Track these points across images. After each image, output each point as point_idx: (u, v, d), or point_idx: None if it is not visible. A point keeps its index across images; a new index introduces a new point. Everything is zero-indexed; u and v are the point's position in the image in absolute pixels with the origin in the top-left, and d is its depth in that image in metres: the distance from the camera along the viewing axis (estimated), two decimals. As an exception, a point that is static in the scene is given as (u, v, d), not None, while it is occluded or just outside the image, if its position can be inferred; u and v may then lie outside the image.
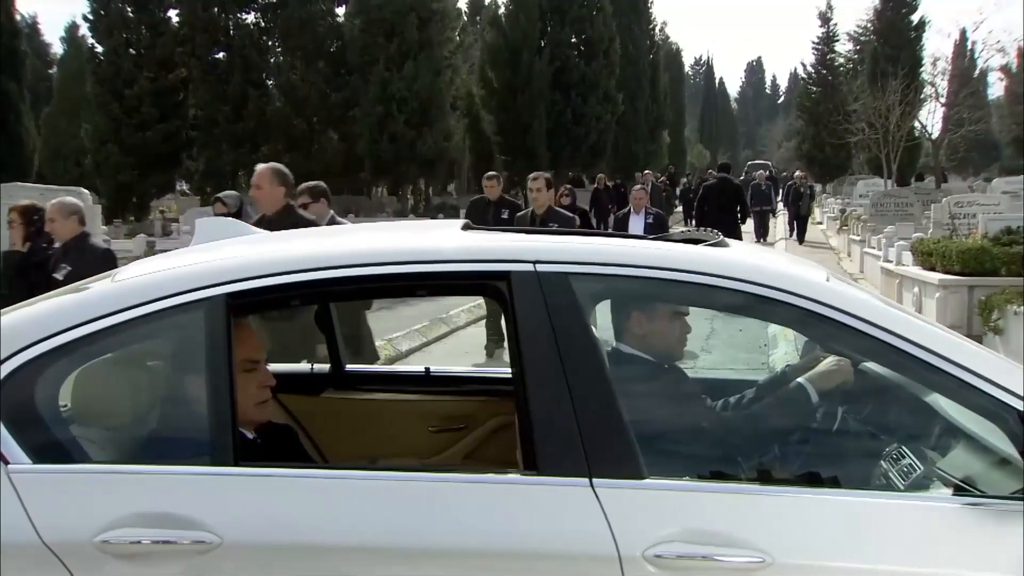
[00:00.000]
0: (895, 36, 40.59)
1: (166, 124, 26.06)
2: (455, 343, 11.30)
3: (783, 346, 8.08)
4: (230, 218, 2.92)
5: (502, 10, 30.60)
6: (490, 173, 9.82)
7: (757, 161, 51.95)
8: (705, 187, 18.10)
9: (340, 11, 28.26)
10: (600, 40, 30.68)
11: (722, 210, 15.85)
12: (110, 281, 2.41)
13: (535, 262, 2.31)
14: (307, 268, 2.34)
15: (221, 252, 2.50)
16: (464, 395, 3.58)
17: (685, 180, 35.17)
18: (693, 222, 29.91)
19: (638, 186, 12.39)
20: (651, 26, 42.92)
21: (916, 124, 34.15)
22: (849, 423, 2.81)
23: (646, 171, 26.72)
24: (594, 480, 2.14)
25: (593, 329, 2.34)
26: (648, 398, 2.77)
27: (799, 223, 25.45)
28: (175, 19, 27.49)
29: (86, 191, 12.89)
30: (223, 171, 27.07)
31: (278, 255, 2.44)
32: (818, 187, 33.51)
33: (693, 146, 69.87)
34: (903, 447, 2.53)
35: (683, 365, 3.04)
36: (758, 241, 23.25)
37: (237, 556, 2.10)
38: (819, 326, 2.32)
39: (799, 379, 2.77)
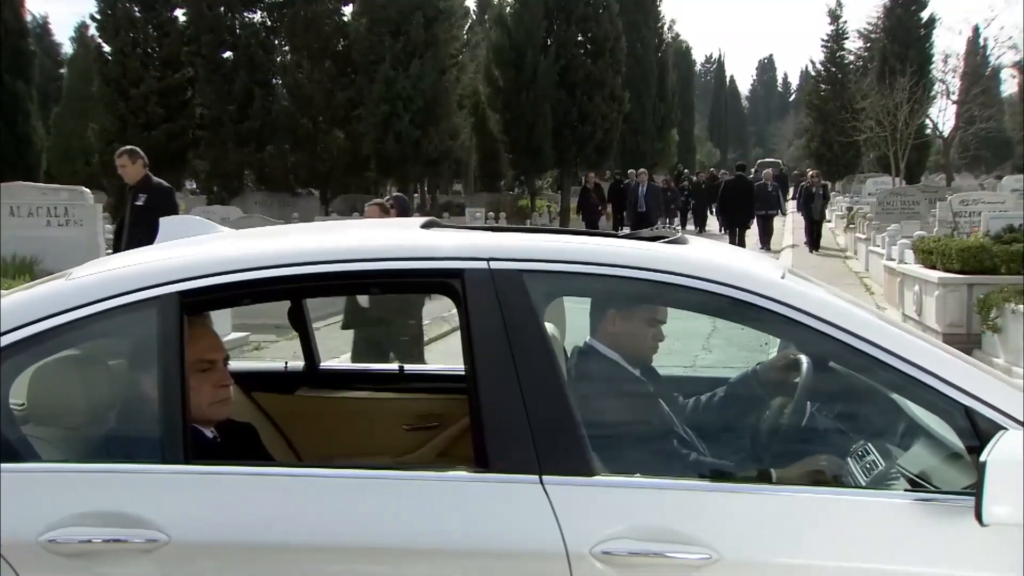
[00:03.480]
0: (904, 33, 40.33)
1: (172, 124, 26.10)
2: (456, 341, 11.30)
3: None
4: (197, 217, 2.91)
5: (508, 9, 30.56)
6: (120, 150, 8.10)
7: (767, 160, 51.78)
8: (726, 183, 23.16)
9: (347, 10, 28.33)
10: (606, 38, 30.61)
11: (740, 204, 21.42)
12: (64, 280, 2.42)
13: (489, 260, 2.31)
14: (260, 266, 2.34)
15: (175, 251, 2.51)
16: (437, 393, 3.58)
17: (695, 178, 34.80)
18: (694, 219, 29.89)
19: (371, 203, 9.19)
20: (659, 24, 42.77)
21: (927, 122, 33.97)
22: (816, 421, 2.82)
23: (641, 170, 24.89)
24: (544, 477, 2.15)
25: (546, 327, 2.34)
26: (608, 396, 2.78)
27: (811, 228, 22.58)
28: (181, 19, 27.60)
29: (87, 190, 12.99)
30: (229, 170, 27.13)
31: (231, 253, 2.45)
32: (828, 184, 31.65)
33: (703, 144, 69.73)
34: (868, 444, 2.54)
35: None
36: (762, 248, 21.76)
37: (184, 555, 2.11)
38: (769, 321, 2.32)
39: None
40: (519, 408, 2.20)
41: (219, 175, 27.22)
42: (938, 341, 2.56)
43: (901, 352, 2.20)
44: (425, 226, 2.66)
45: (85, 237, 12.25)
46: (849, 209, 25.49)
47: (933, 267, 10.27)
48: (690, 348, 6.86)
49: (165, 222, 2.87)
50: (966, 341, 9.38)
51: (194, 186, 33.83)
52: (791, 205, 30.06)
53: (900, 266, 11.83)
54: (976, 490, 1.96)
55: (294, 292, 2.99)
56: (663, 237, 2.63)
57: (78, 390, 2.38)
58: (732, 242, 22.50)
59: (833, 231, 27.19)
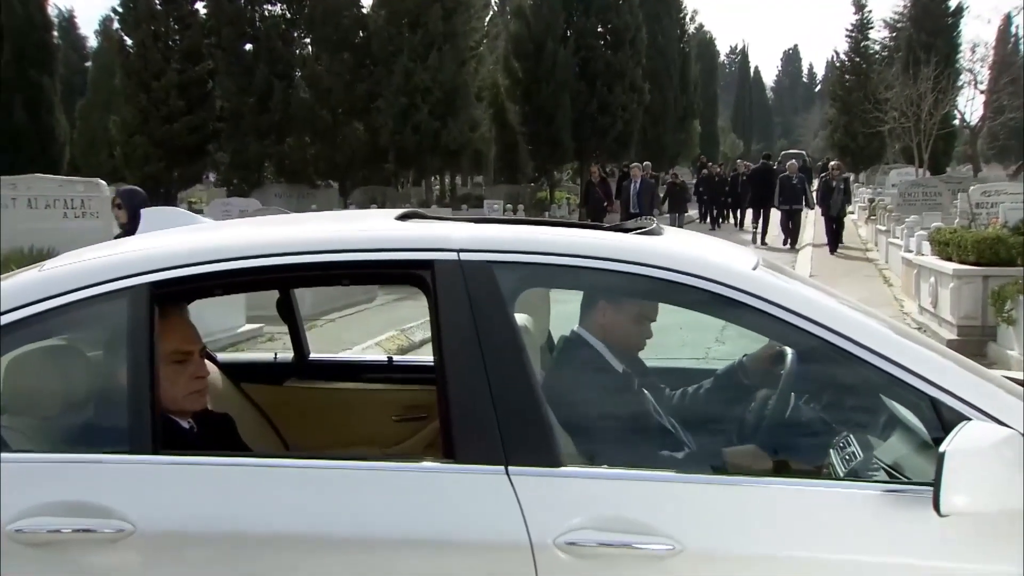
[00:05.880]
0: (931, 22, 39.76)
1: (193, 116, 26.20)
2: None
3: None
4: (179, 208, 2.93)
5: (527, 0, 30.48)
6: None
7: (791, 151, 51.31)
8: (753, 171, 24.47)
9: (366, 2, 28.38)
10: (626, 29, 30.53)
11: (765, 192, 21.93)
12: (37, 270, 2.44)
13: (459, 251, 2.31)
14: (231, 257, 2.36)
15: (147, 242, 2.53)
16: (427, 384, 3.58)
17: (705, 171, 33.85)
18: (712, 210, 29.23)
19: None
20: (681, 15, 42.57)
21: (955, 112, 33.55)
22: (800, 413, 2.81)
23: (634, 164, 22.30)
24: (510, 468, 2.15)
25: (515, 318, 2.34)
26: (588, 385, 2.78)
27: (830, 225, 20.05)
28: (202, 11, 27.73)
29: (103, 182, 13.11)
30: (249, 162, 27.27)
31: (202, 244, 2.46)
32: (851, 176, 29.74)
33: (726, 136, 69.26)
34: (850, 435, 2.53)
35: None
36: (785, 244, 20.91)
37: (150, 545, 2.13)
38: (737, 312, 2.31)
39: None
40: (486, 399, 2.20)
41: (239, 167, 27.34)
42: (912, 331, 2.54)
43: (868, 343, 2.19)
44: (401, 217, 2.66)
45: (101, 229, 12.35)
46: (871, 201, 25.21)
47: (949, 259, 10.14)
48: (703, 340, 6.81)
49: (147, 213, 2.89)
50: (981, 334, 9.28)
51: (214, 178, 34.04)
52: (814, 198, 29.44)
53: (917, 258, 11.69)
54: (935, 480, 1.95)
55: (265, 283, 3.00)
56: (644, 228, 2.62)
57: (49, 381, 2.40)
58: (755, 229, 22.25)
59: (855, 223, 26.88)
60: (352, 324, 11.64)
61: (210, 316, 8.59)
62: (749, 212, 24.81)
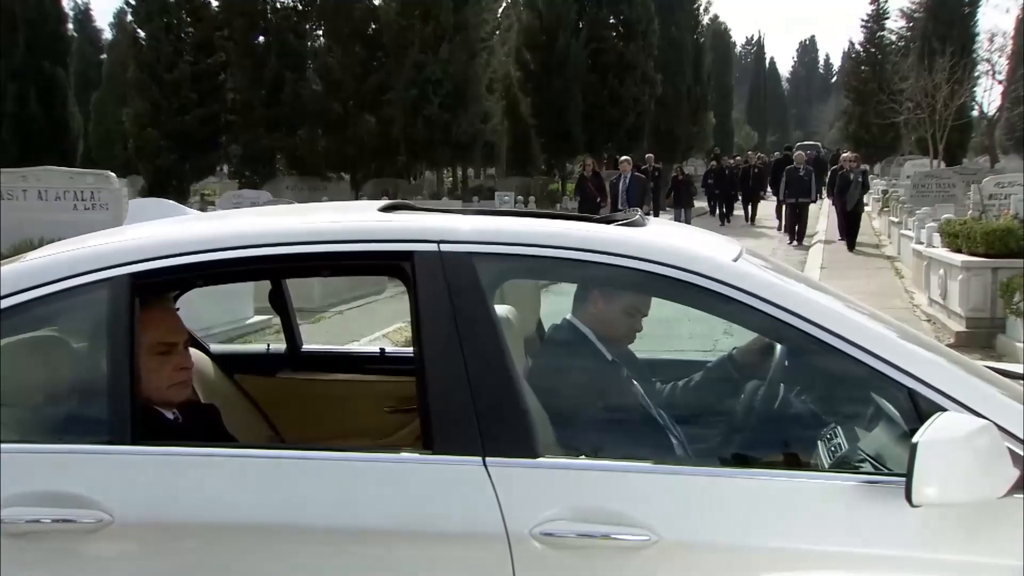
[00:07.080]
0: (947, 12, 39.42)
1: (205, 108, 26.27)
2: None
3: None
4: (166, 200, 2.94)
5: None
6: None
7: (806, 142, 50.93)
8: (776, 162, 25.48)
9: (377, -7, 28.41)
10: (638, 21, 30.52)
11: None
12: (19, 262, 2.46)
13: (439, 242, 2.31)
14: (211, 248, 2.36)
15: (129, 233, 2.54)
16: None
17: (718, 161, 33.04)
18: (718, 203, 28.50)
19: None
20: (695, 5, 42.33)
21: (972, 103, 33.25)
22: (788, 405, 2.80)
23: (623, 158, 20.54)
24: (487, 459, 2.16)
25: (496, 309, 2.34)
26: (573, 372, 2.79)
27: (845, 220, 18.57)
28: (214, 3, 27.77)
29: (112, 174, 13.13)
30: (260, 155, 27.33)
31: (183, 235, 2.47)
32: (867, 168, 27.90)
33: (740, 127, 68.93)
34: (837, 427, 2.53)
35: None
36: (792, 242, 19.95)
37: (128, 535, 2.14)
38: (717, 304, 2.30)
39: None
40: (464, 390, 2.20)
41: (251, 159, 27.43)
42: (894, 322, 2.53)
43: (845, 333, 2.19)
44: (386, 209, 2.66)
45: (111, 221, 12.37)
46: (884, 192, 25.03)
47: (959, 250, 10.06)
48: (711, 332, 6.82)
49: (135, 204, 2.90)
50: (989, 325, 9.21)
51: (226, 170, 34.14)
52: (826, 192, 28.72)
53: (927, 250, 11.61)
54: (907, 471, 1.94)
55: (246, 275, 3.02)
56: (632, 220, 2.62)
57: (31, 371, 2.42)
58: (784, 220, 21.29)
59: (869, 215, 26.56)
60: (361, 316, 11.66)
61: (219, 308, 8.63)
62: (761, 205, 24.61)
